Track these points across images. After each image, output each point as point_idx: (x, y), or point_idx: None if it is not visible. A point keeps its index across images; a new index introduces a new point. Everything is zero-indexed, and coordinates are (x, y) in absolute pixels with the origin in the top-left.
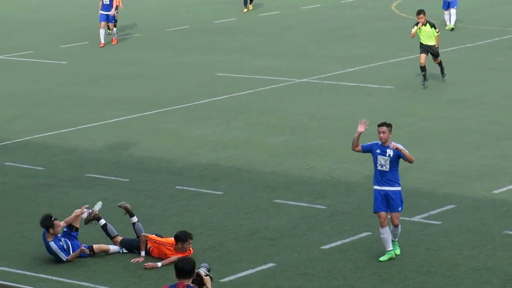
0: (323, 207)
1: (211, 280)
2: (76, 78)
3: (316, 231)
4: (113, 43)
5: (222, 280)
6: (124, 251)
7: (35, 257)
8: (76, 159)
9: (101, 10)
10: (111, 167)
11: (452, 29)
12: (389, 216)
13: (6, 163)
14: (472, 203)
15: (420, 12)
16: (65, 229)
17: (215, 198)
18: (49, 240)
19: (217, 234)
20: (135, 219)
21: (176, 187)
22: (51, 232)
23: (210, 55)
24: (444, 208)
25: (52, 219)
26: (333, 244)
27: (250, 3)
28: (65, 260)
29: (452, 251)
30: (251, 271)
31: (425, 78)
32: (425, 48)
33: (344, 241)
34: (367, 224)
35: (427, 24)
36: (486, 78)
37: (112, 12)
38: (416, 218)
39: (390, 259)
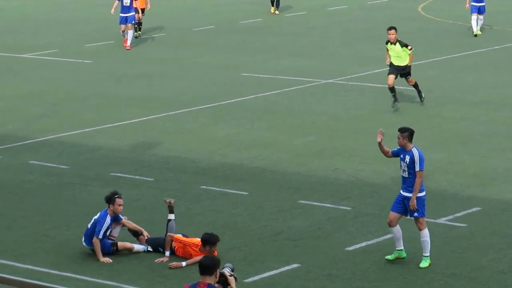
0: (348, 208)
1: (236, 280)
2: (101, 77)
3: (340, 232)
4: (124, 45)
5: (246, 281)
6: (149, 249)
7: (58, 255)
8: (100, 158)
9: (121, 12)
10: (136, 166)
11: (476, 35)
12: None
13: (30, 162)
14: (497, 205)
15: (391, 28)
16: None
17: (240, 198)
18: (109, 214)
19: (241, 234)
20: (172, 216)
21: (201, 187)
22: (111, 208)
23: (235, 55)
24: (469, 210)
25: (116, 196)
26: (357, 246)
27: (277, 8)
28: (97, 237)
29: (477, 253)
30: (275, 271)
31: (395, 99)
32: (395, 69)
33: (369, 242)
34: None
35: (397, 43)
36: None
37: (137, 15)
38: (441, 220)
39: (396, 258)
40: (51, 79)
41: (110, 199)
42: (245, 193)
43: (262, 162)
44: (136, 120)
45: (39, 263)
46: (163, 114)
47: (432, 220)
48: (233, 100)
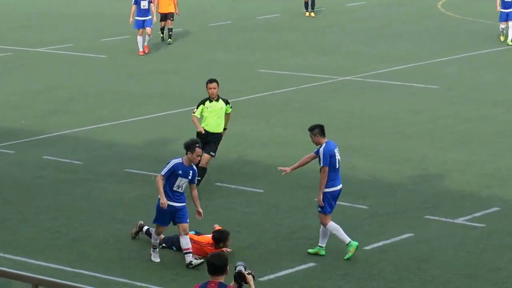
0: (365, 207)
1: (254, 279)
2: (116, 72)
3: (357, 231)
4: (145, 50)
5: (261, 279)
6: (163, 245)
7: (71, 252)
8: (115, 154)
9: (137, 16)
10: (150, 163)
11: (508, 44)
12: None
13: (44, 157)
14: None
15: (212, 80)
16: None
17: (255, 196)
18: (183, 161)
19: (256, 233)
20: None
21: (215, 184)
22: (189, 156)
23: (252, 51)
24: (487, 211)
25: (197, 145)
26: (374, 245)
27: (312, 10)
28: (160, 173)
29: (494, 254)
30: (290, 270)
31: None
32: (208, 140)
33: (385, 242)
34: (409, 225)
35: (220, 100)
36: None
37: (169, 21)
38: (459, 220)
39: (316, 253)
40: (65, 74)
41: (189, 147)
42: (260, 190)
43: (277, 159)
44: (151, 116)
45: (51, 260)
46: (178, 110)
47: (450, 220)
48: (249, 97)
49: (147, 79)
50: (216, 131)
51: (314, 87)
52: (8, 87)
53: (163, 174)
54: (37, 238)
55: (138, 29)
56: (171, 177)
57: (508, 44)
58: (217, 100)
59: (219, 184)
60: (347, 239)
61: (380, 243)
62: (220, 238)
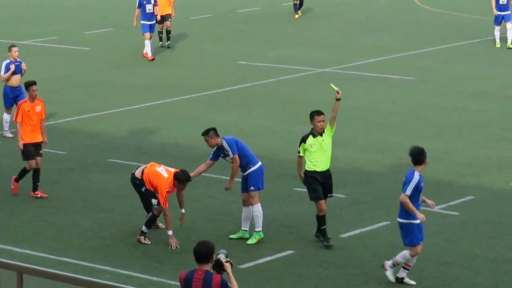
0: (343, 196)
1: (232, 267)
2: (100, 64)
3: (335, 220)
4: (148, 58)
5: (241, 267)
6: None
7: (56, 240)
8: (99, 144)
9: (144, 20)
10: (134, 153)
11: (509, 47)
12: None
13: None
14: (490, 194)
15: (321, 113)
16: None
17: (236, 185)
18: (421, 173)
19: (237, 221)
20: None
21: None
22: (422, 165)
23: (233, 44)
24: (462, 199)
25: (424, 154)
26: (352, 233)
27: (299, 9)
28: (403, 192)
29: (469, 242)
30: (269, 258)
31: (327, 238)
32: (320, 182)
33: (363, 230)
34: (387, 213)
35: (323, 133)
36: (509, 71)
37: (167, 23)
38: (435, 209)
39: (240, 238)
40: (50, 66)
41: (421, 155)
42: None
43: (259, 149)
44: (135, 107)
45: (37, 248)
46: (162, 101)
47: (426, 209)
48: (231, 88)
49: (131, 71)
50: (325, 168)
51: (295, 79)
52: None
53: (407, 193)
54: (23, 227)
55: (145, 33)
56: (415, 194)
57: (509, 47)
58: (321, 135)
59: None
60: (260, 227)
61: (358, 231)
62: (178, 177)
